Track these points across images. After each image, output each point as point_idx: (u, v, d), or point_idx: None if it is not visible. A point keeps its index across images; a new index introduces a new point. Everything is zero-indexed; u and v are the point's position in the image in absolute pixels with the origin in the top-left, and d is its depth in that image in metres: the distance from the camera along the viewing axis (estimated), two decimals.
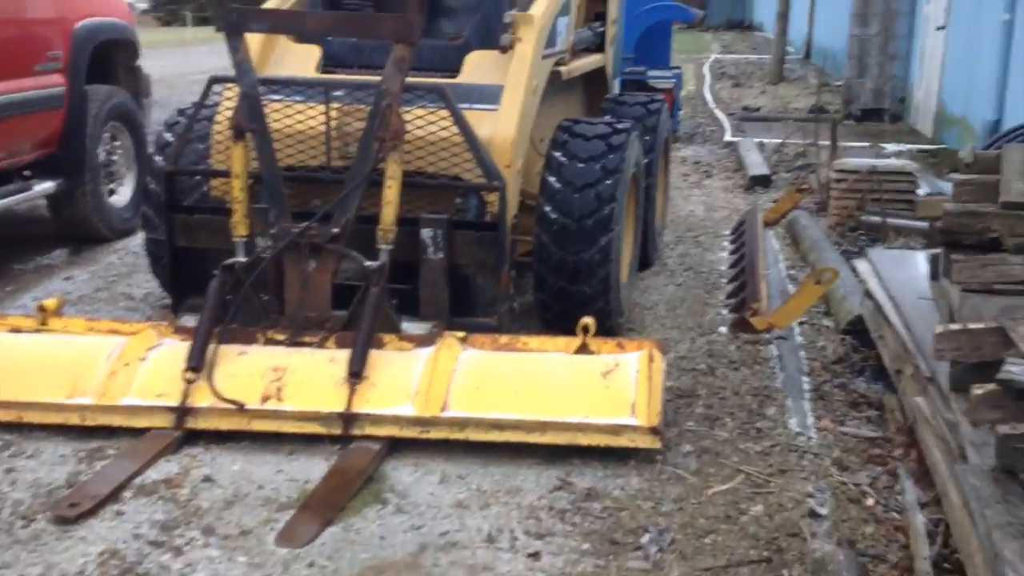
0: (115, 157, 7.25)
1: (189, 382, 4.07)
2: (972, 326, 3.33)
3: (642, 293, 6.01)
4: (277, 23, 4.84)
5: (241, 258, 4.46)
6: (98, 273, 6.43)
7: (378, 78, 4.46)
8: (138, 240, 6.54)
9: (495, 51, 4.93)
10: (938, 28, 11.98)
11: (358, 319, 4.23)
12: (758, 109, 14.36)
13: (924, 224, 6.10)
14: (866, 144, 11.18)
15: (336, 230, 4.34)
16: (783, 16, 18.31)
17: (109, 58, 7.33)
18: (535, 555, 3.30)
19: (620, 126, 5.11)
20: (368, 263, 4.33)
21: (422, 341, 4.27)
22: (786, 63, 18.67)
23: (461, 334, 4.31)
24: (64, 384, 4.11)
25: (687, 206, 8.47)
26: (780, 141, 11.06)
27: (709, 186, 9.38)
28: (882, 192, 7.21)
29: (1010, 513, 2.68)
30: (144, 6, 34.78)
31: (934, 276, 4.44)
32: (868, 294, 5.02)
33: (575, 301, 4.85)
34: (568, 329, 4.36)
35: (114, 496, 3.60)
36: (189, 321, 4.43)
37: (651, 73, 10.56)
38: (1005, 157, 4.11)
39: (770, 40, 22.71)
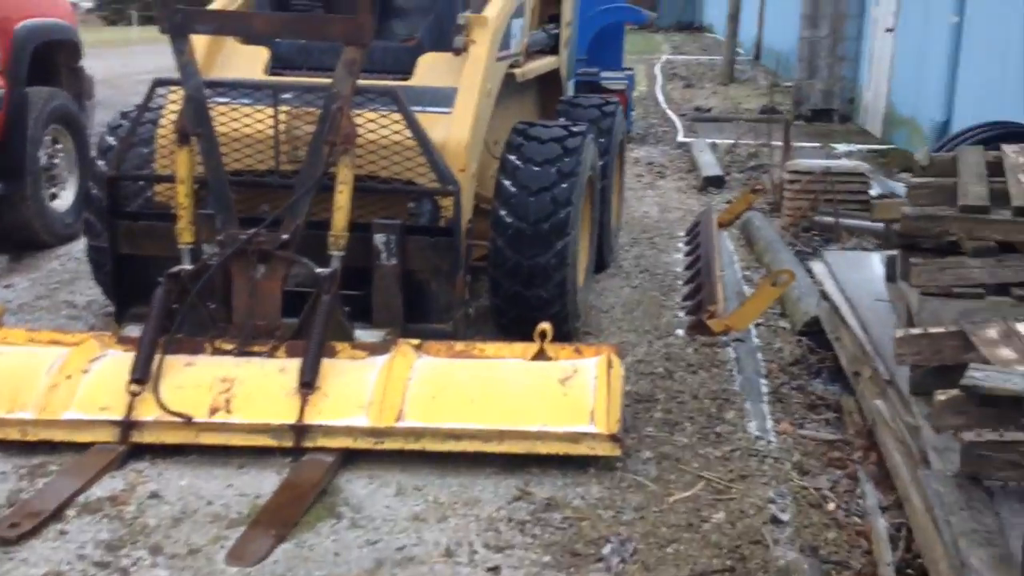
0: (56, 160, 7.06)
1: (134, 395, 3.93)
2: (932, 330, 3.32)
3: (598, 296, 5.96)
4: (224, 25, 4.72)
5: (187, 266, 4.34)
6: (39, 280, 6.25)
7: (328, 80, 4.36)
8: (81, 246, 6.35)
9: (448, 53, 4.85)
10: (887, 30, 12.10)
11: (309, 327, 4.13)
12: (710, 110, 14.42)
13: (877, 224, 6.13)
14: (817, 144, 11.25)
15: (285, 236, 4.23)
16: (733, 18, 18.45)
17: (51, 59, 7.15)
18: (495, 569, 3.22)
19: (575, 129, 5.05)
20: (319, 270, 4.22)
21: (376, 349, 4.17)
22: (736, 64, 18.80)
23: (416, 341, 4.23)
24: (3, 398, 3.95)
25: (641, 207, 8.44)
26: (732, 142, 11.10)
27: (663, 187, 9.37)
28: (835, 193, 7.23)
29: (975, 520, 2.66)
30: (89, 5, 34.22)
31: (890, 278, 4.44)
32: (824, 296, 5.01)
33: (531, 306, 4.78)
34: (524, 334, 4.30)
35: (57, 515, 3.46)
36: (133, 331, 4.31)
37: (604, 74, 10.54)
38: (960, 160, 4.13)
39: (720, 41, 22.85)
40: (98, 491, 3.63)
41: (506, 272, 4.77)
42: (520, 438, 3.82)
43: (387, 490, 3.68)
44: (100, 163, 5.09)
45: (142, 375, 3.96)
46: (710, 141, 11.17)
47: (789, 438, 4.17)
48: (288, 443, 3.87)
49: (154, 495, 3.62)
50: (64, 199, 7.14)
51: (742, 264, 6.75)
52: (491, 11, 4.99)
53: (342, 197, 4.29)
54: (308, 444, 3.86)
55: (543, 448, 3.81)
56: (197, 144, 4.38)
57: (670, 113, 13.86)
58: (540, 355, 4.17)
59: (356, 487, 3.70)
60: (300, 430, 3.87)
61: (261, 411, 3.91)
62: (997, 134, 5.79)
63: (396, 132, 4.48)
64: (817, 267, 5.27)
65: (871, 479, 3.74)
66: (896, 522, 3.40)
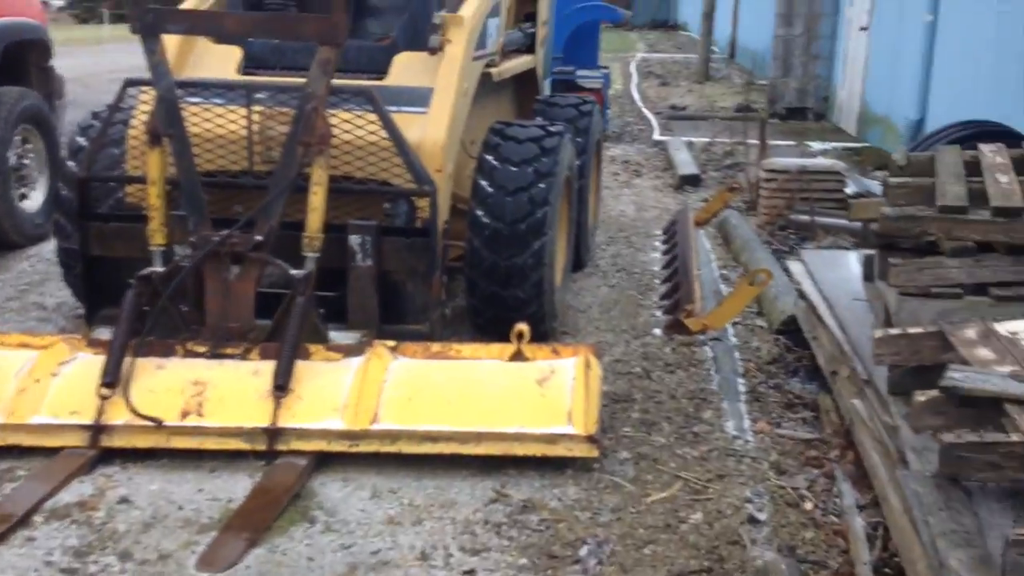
0: (26, 161, 6.95)
1: (104, 398, 3.88)
2: (911, 330, 3.31)
3: (575, 295, 5.94)
4: (195, 24, 4.66)
5: (158, 268, 4.27)
6: (8, 281, 6.16)
7: (302, 80, 4.31)
8: (51, 247, 6.25)
9: (424, 52, 4.80)
10: (861, 28, 12.15)
11: (283, 329, 4.08)
12: (685, 108, 14.43)
13: (854, 224, 6.13)
14: (792, 143, 11.27)
15: (259, 238, 4.18)
16: (708, 16, 18.48)
17: (20, 58, 7.05)
18: (471, 572, 3.19)
19: (553, 129, 5.02)
20: (293, 271, 4.17)
21: (351, 351, 4.13)
22: (711, 62, 18.83)
23: (391, 343, 4.18)
24: None
25: (618, 206, 8.43)
26: (708, 140, 11.10)
27: (639, 185, 9.35)
28: (811, 191, 7.24)
29: (954, 520, 2.64)
30: (60, 3, 33.86)
31: (868, 277, 4.43)
32: (802, 295, 5.01)
33: (508, 306, 4.75)
34: (501, 334, 4.27)
35: (25, 521, 3.40)
36: (104, 334, 4.25)
37: (580, 73, 10.53)
38: (938, 159, 4.12)
39: (694, 39, 22.91)
40: (67, 496, 3.57)
41: (483, 272, 4.74)
42: (497, 440, 3.79)
43: (362, 493, 3.64)
44: (70, 164, 5.01)
45: (112, 378, 3.91)
46: (686, 139, 11.17)
47: (766, 437, 4.16)
48: (261, 446, 3.82)
49: (124, 500, 3.57)
50: (34, 200, 7.03)
51: (719, 263, 6.74)
52: (467, 10, 4.95)
53: (317, 198, 4.24)
54: (281, 447, 3.82)
55: (520, 449, 3.78)
56: (169, 145, 4.32)
57: (646, 111, 13.87)
58: (517, 356, 4.14)
59: (330, 490, 3.66)
60: (273, 433, 3.82)
61: (234, 414, 3.87)
62: (972, 133, 5.81)
63: (371, 132, 4.44)
64: (794, 266, 5.26)
65: (848, 478, 3.73)
66: (873, 521, 3.39)
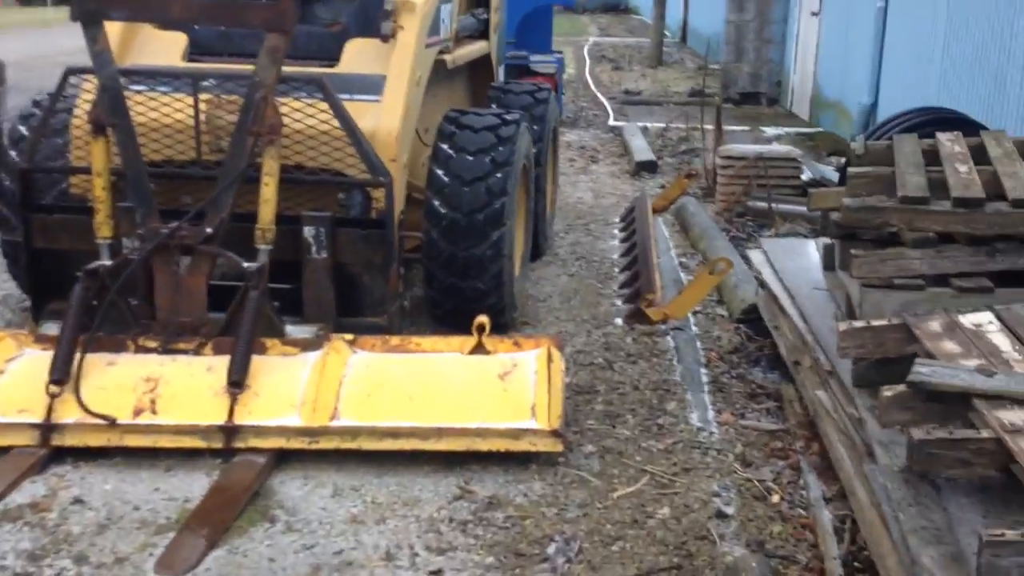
0: None
1: (53, 396, 3.77)
2: (875, 323, 3.30)
3: (535, 284, 5.89)
4: (139, 10, 4.49)
5: (106, 261, 4.15)
6: None
7: (251, 67, 4.19)
8: None
9: (375, 39, 4.70)
10: (812, 13, 12.19)
11: (237, 323, 3.98)
12: (639, 93, 14.42)
13: (812, 212, 6.13)
14: (746, 128, 11.31)
15: (209, 230, 4.08)
16: (661, 0, 18.45)
17: None
18: (437, 572, 3.13)
19: (509, 117, 4.95)
20: (246, 264, 4.07)
21: (308, 345, 4.05)
22: (663, 47, 18.82)
23: (349, 336, 4.11)
24: None
25: (575, 192, 8.38)
26: (663, 125, 11.09)
27: (596, 172, 9.31)
28: (768, 178, 7.24)
29: (924, 516, 2.63)
30: None
31: (828, 266, 4.43)
32: (762, 284, 4.99)
33: (467, 297, 4.69)
34: (460, 325, 4.20)
35: None
36: (52, 329, 4.12)
37: (533, 58, 10.42)
38: (897, 148, 4.12)
39: (646, 23, 22.92)
40: (18, 497, 3.48)
41: (441, 264, 4.67)
42: (460, 435, 3.73)
43: (323, 491, 3.57)
44: (12, 153, 4.85)
45: (62, 375, 3.80)
46: (641, 125, 11.15)
47: (731, 429, 4.14)
48: (218, 444, 3.73)
49: (77, 501, 3.48)
50: None
51: (678, 250, 6.73)
52: None
53: (268, 190, 4.14)
54: (239, 445, 3.73)
55: (484, 445, 3.73)
56: (113, 135, 4.19)
57: (600, 96, 13.83)
58: (478, 349, 4.09)
59: (290, 489, 3.58)
60: (230, 431, 3.73)
61: (188, 412, 3.78)
62: (927, 120, 5.83)
63: (323, 122, 4.33)
64: (754, 255, 5.25)
65: (814, 470, 3.72)
66: (840, 514, 3.39)
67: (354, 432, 3.73)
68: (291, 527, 3.35)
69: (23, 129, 4.87)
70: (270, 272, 4.13)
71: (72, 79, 4.49)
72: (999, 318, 3.29)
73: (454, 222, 4.62)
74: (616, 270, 6.20)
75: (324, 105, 4.30)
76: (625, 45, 21.61)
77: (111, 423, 3.72)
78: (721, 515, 3.46)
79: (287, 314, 4.28)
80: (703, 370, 4.76)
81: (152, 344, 4.01)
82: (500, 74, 6.88)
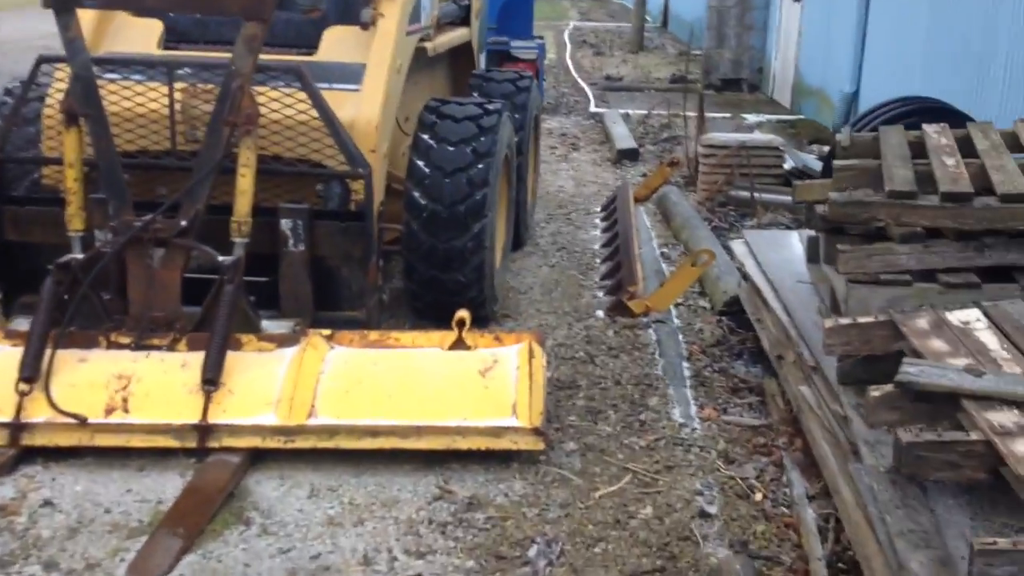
0: None
1: (23, 394, 3.69)
2: (862, 320, 3.25)
3: (515, 276, 5.82)
4: None
5: (77, 254, 4.05)
6: None
7: (227, 55, 4.09)
8: None
9: (355, 26, 4.60)
10: (795, 0, 12.13)
11: (212, 318, 3.89)
12: (621, 78, 14.34)
13: (796, 203, 6.09)
14: (727, 115, 11.25)
15: (184, 223, 3.99)
16: None
17: None
18: None
19: (491, 107, 4.88)
20: (222, 258, 3.98)
21: (284, 341, 3.97)
22: (645, 32, 18.74)
23: (327, 331, 4.03)
24: None
25: (556, 181, 8.30)
26: (645, 112, 11.01)
27: (577, 159, 9.24)
28: (750, 167, 7.19)
29: (911, 519, 2.59)
30: None
31: (812, 259, 4.38)
32: (745, 276, 4.94)
33: (448, 290, 4.63)
34: (441, 318, 4.14)
35: None
36: (22, 324, 4.03)
37: (514, 43, 10.32)
38: (883, 140, 4.07)
39: (627, 8, 22.81)
40: None
41: (421, 256, 4.60)
42: (439, 433, 3.66)
43: (299, 492, 3.50)
44: None
45: (32, 372, 3.72)
46: (622, 111, 11.07)
47: (713, 424, 4.10)
48: (191, 444, 3.66)
49: (47, 503, 3.40)
50: None
51: (660, 240, 6.66)
52: None
53: (245, 181, 4.05)
54: (213, 444, 3.66)
55: (464, 443, 3.66)
56: (86, 125, 4.09)
57: (581, 82, 13.74)
58: (458, 344, 4.02)
59: (266, 489, 3.52)
60: (204, 430, 3.66)
61: (161, 410, 3.70)
62: (910, 109, 5.78)
63: (301, 111, 4.24)
64: (737, 246, 5.20)
65: (797, 467, 3.68)
66: (824, 512, 3.34)
67: (332, 431, 3.67)
68: (267, 530, 3.29)
69: None
70: (246, 265, 4.04)
71: (44, 67, 4.38)
72: (987, 315, 3.25)
73: (435, 214, 4.54)
74: (597, 261, 6.15)
75: (302, 94, 4.21)
76: (606, 30, 21.51)
77: (82, 422, 3.65)
78: (704, 514, 3.41)
79: (263, 308, 4.20)
80: (685, 364, 4.71)
81: (125, 340, 3.92)
82: (481, 61, 6.79)
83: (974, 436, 2.60)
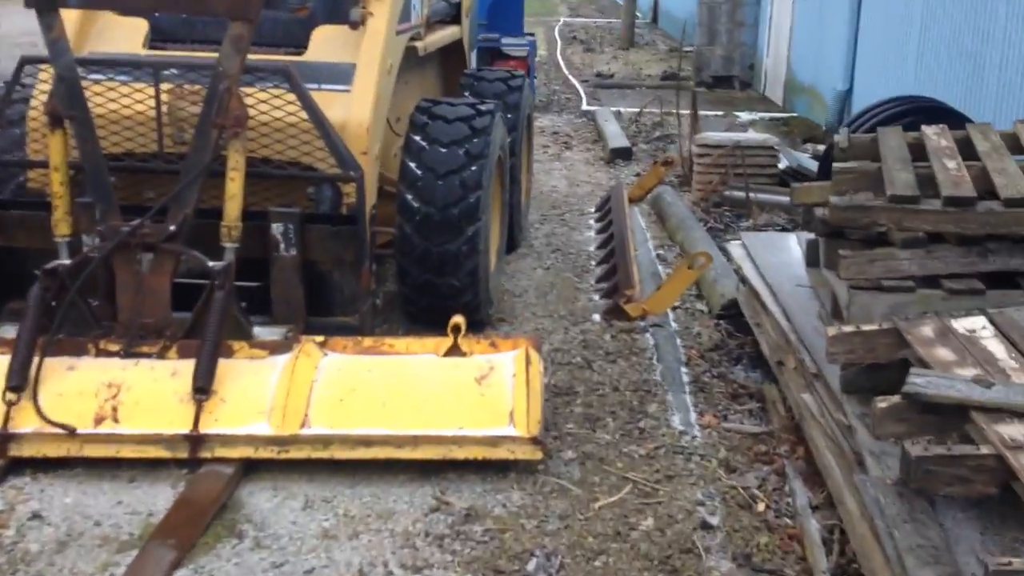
0: None
1: (10, 404, 3.63)
2: (866, 328, 3.19)
3: (510, 278, 5.75)
4: None
5: (65, 260, 3.97)
6: None
7: (214, 55, 4.01)
8: None
9: (344, 26, 4.53)
10: None
11: (202, 324, 3.82)
12: (612, 75, 14.27)
13: (787, 199, 6.03)
14: (719, 112, 11.19)
15: (173, 227, 3.91)
16: None
17: None
18: None
19: (483, 107, 4.81)
20: (212, 263, 3.90)
21: (276, 348, 3.90)
22: (635, 28, 18.67)
23: (320, 338, 3.96)
24: None
25: (549, 181, 8.23)
26: (637, 110, 10.95)
27: (570, 159, 9.17)
28: (745, 167, 7.13)
29: (920, 534, 2.53)
30: None
31: (811, 263, 4.33)
32: (743, 279, 4.88)
33: (442, 294, 4.56)
34: (435, 323, 4.07)
35: None
36: (8, 331, 3.94)
37: (505, 40, 10.24)
38: (882, 142, 4.01)
39: (617, 3, 22.71)
40: None
41: (415, 260, 4.53)
42: (435, 443, 3.60)
43: (293, 504, 3.44)
44: None
45: (19, 381, 3.66)
46: (615, 109, 11.00)
47: (714, 432, 4.04)
48: (183, 454, 3.60)
49: (35, 516, 3.34)
50: None
51: (655, 242, 6.61)
52: None
53: (234, 185, 3.98)
54: (205, 455, 3.60)
55: (460, 453, 3.60)
56: (71, 127, 4.01)
57: (572, 79, 13.68)
58: (454, 350, 3.95)
59: (259, 501, 3.45)
60: (196, 440, 3.60)
61: (152, 420, 3.63)
62: (906, 109, 5.73)
63: (291, 113, 4.17)
64: (734, 248, 5.13)
65: (799, 476, 3.63)
66: (828, 523, 3.29)
67: (326, 440, 3.60)
68: (260, 543, 3.22)
69: None
70: (237, 270, 3.97)
71: (28, 68, 4.30)
72: (992, 323, 3.20)
73: (428, 217, 4.48)
74: (592, 263, 6.09)
75: (291, 96, 4.14)
76: (596, 26, 21.43)
77: (71, 432, 3.58)
78: (706, 526, 3.35)
79: (255, 314, 4.13)
80: (684, 369, 4.66)
81: (114, 347, 3.85)
82: (472, 59, 6.72)
83: (984, 450, 2.55)
